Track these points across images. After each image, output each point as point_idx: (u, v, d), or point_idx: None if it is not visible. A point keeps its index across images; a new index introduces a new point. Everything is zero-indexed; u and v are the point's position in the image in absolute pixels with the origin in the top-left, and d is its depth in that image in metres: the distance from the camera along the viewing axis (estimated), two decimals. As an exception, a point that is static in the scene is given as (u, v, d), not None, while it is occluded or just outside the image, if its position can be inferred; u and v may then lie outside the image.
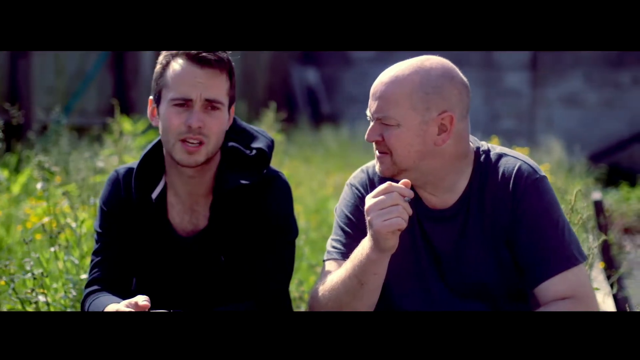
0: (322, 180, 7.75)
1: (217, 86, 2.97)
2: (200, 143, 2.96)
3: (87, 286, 3.10)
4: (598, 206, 6.37)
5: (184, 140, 2.96)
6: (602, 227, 6.07)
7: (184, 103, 2.95)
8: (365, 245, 2.85)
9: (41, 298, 3.51)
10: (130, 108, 11.01)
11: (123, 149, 5.32)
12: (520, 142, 11.87)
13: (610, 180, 12.03)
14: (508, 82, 15.23)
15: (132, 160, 5.54)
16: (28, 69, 9.57)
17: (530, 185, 2.91)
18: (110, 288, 3.06)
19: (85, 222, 3.85)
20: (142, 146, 6.91)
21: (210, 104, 2.95)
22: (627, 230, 9.45)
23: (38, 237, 4.30)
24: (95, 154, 5.83)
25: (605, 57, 14.79)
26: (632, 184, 12.39)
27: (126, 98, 11.11)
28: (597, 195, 7.30)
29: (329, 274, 3.00)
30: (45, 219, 4.09)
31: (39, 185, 4.12)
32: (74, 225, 3.85)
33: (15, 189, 5.68)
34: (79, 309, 3.63)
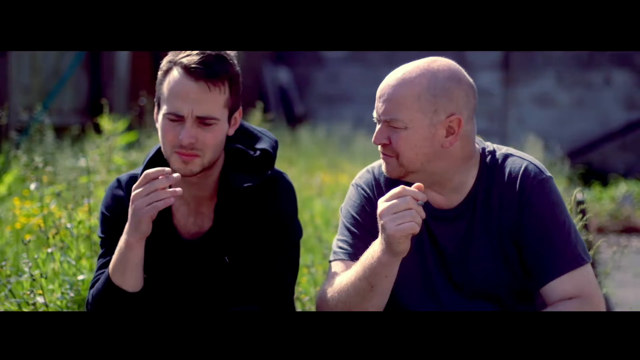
0: (306, 180, 7.75)
1: (210, 101, 2.93)
2: (195, 155, 2.95)
3: (91, 288, 3.07)
4: (578, 204, 6.40)
5: (179, 152, 2.94)
6: (587, 227, 6.11)
7: (177, 119, 2.93)
8: (376, 248, 2.84)
9: (39, 299, 3.49)
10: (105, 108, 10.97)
11: (112, 149, 5.29)
12: (492, 141, 11.91)
13: (582, 180, 12.12)
14: (480, 82, 15.27)
15: (120, 160, 5.54)
16: (5, 68, 9.50)
17: (537, 185, 2.92)
18: None
19: (82, 222, 3.83)
20: (122, 146, 6.89)
21: (203, 120, 2.92)
22: (600, 230, 9.53)
23: (27, 237, 4.27)
24: (84, 153, 5.80)
25: (576, 57, 14.89)
26: (604, 184, 12.50)
27: (102, 98, 11.06)
28: (579, 195, 7.35)
29: (337, 275, 3.00)
30: (36, 219, 4.07)
31: (32, 186, 4.09)
32: (69, 225, 3.83)
33: (2, 189, 5.64)
34: (75, 310, 3.62)
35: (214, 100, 2.93)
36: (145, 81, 11.61)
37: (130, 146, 7.57)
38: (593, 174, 13.26)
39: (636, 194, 11.23)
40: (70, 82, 10.90)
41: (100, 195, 4.70)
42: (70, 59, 10.90)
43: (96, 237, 3.88)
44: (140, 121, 8.39)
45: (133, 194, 2.88)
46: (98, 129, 6.58)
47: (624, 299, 6.00)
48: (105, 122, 5.76)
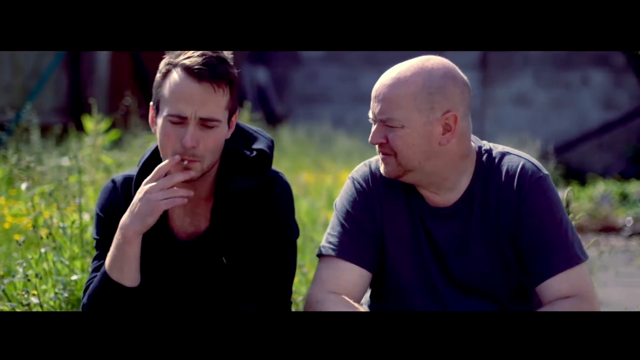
0: (290, 180, 7.74)
1: (213, 103, 2.89)
2: (196, 160, 2.91)
3: (85, 290, 3.05)
4: (567, 205, 6.44)
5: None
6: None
7: (180, 121, 2.90)
8: None
9: (34, 299, 3.47)
10: (85, 107, 10.96)
11: (98, 148, 5.28)
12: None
13: (564, 179, 12.17)
14: (458, 82, 15.28)
15: (109, 160, 5.53)
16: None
17: (534, 183, 2.94)
18: None
19: (75, 222, 3.82)
20: (106, 145, 6.88)
21: (205, 122, 2.89)
22: (579, 229, 9.57)
23: (17, 237, 4.25)
24: (73, 153, 5.78)
25: (554, 57, 14.96)
26: (582, 184, 12.56)
27: (82, 97, 11.02)
28: (569, 195, 7.39)
29: (327, 276, 3.02)
30: (27, 220, 4.05)
31: (23, 186, 4.08)
32: (63, 225, 3.82)
33: (-12, 189, 5.60)
34: (69, 310, 3.61)
35: (217, 102, 2.90)
36: (125, 80, 11.58)
37: (113, 144, 7.54)
38: (571, 174, 13.32)
39: (614, 193, 11.29)
40: (51, 81, 10.86)
41: (88, 194, 4.69)
42: (50, 58, 10.86)
43: (87, 237, 3.87)
44: (125, 121, 8.36)
45: (147, 186, 2.87)
46: (81, 128, 6.55)
47: (606, 298, 6.03)
48: (89, 122, 5.73)
